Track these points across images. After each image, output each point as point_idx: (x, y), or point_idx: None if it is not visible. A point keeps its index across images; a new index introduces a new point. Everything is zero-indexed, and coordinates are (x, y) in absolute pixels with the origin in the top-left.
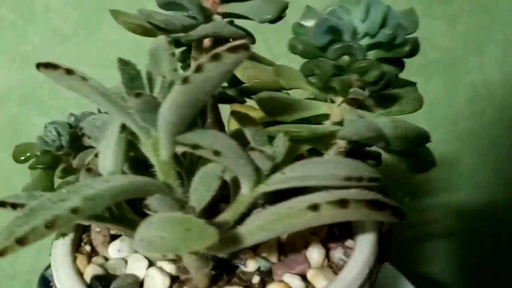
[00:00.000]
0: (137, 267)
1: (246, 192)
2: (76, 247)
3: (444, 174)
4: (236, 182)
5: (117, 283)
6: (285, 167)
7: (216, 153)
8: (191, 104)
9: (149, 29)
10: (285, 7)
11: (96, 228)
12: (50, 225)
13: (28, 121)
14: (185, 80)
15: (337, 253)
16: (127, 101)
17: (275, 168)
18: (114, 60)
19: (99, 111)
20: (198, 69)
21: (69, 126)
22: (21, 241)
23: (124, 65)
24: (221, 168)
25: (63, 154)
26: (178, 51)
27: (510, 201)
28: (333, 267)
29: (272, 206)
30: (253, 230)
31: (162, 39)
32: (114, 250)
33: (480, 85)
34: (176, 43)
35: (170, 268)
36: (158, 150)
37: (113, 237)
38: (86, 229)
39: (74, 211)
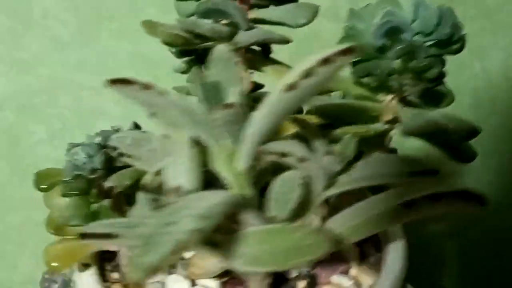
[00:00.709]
0: None
1: (318, 195)
2: (102, 277)
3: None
4: (306, 186)
5: None
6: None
7: (302, 159)
8: (289, 111)
9: (188, 39)
10: (317, 10)
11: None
12: (176, 250)
13: (25, 129)
14: (291, 87)
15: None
16: (206, 114)
17: (341, 170)
18: (113, 68)
19: (136, 126)
20: (308, 74)
21: (99, 146)
22: (155, 270)
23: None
24: (299, 174)
25: (96, 177)
26: (179, 61)
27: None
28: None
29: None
30: (353, 228)
31: (223, 47)
32: None
33: (484, 90)
34: (181, 53)
35: (215, 284)
36: (233, 163)
37: None
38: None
39: (195, 232)
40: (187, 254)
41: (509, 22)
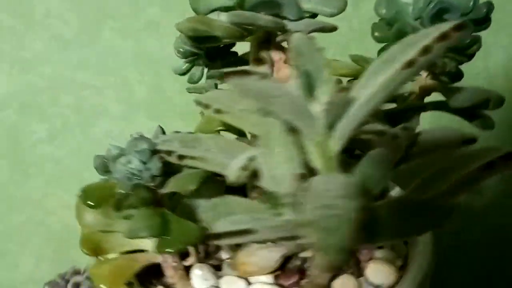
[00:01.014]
0: None
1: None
2: None
3: None
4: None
5: None
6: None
7: (395, 136)
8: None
9: (238, 32)
10: (346, 0)
11: (173, 263)
12: (355, 228)
13: (26, 128)
14: (409, 64)
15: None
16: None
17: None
18: (116, 67)
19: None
20: (426, 50)
21: (150, 152)
22: (348, 252)
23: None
24: (387, 151)
25: (155, 184)
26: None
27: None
28: None
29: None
30: None
31: (300, 35)
32: (200, 281)
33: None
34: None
35: (269, 279)
36: (326, 148)
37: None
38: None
39: (359, 210)
40: (225, 255)
41: (510, 21)
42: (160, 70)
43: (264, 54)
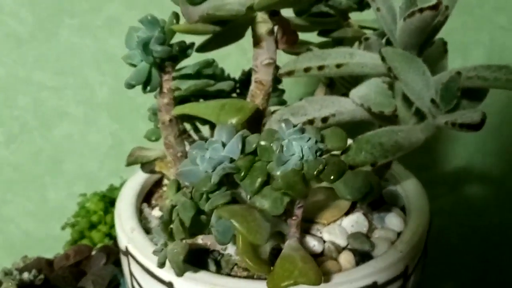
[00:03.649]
0: None
1: None
2: None
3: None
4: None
5: None
6: None
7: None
8: None
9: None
10: None
11: None
12: None
13: None
14: None
15: None
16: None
17: None
18: (75, 66)
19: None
20: None
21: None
22: None
23: None
24: None
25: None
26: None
27: (501, 215)
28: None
29: None
30: None
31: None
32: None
33: None
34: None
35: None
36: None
37: None
38: None
39: None
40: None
41: (490, 17)
42: (121, 70)
43: (270, 25)
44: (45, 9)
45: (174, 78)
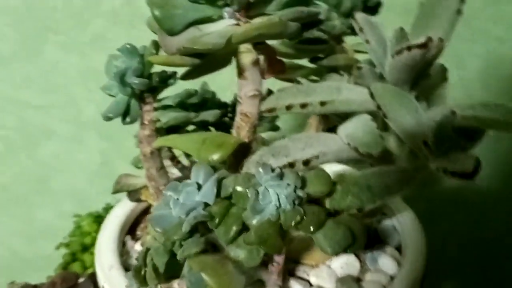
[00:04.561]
0: None
1: None
2: None
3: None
4: None
5: None
6: None
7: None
8: None
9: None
10: None
11: None
12: None
13: None
14: None
15: None
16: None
17: None
18: (61, 84)
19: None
20: None
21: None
22: None
23: None
24: None
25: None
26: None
27: (496, 217)
28: None
29: None
30: None
31: (364, 16)
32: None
33: (461, 99)
34: None
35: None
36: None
37: None
38: None
39: None
40: None
41: (486, 29)
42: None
43: (254, 55)
44: (29, 26)
45: (156, 109)
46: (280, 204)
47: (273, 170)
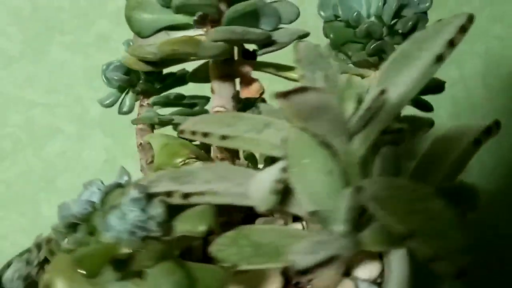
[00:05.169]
0: None
1: None
2: None
3: None
4: None
5: None
6: None
7: (400, 130)
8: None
9: (228, 49)
10: (297, 7)
11: None
12: None
13: None
14: (439, 58)
15: None
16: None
17: None
18: (67, 83)
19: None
20: (451, 43)
21: (147, 197)
22: None
23: None
24: (396, 148)
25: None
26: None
27: (494, 216)
28: None
29: None
30: None
31: (307, 44)
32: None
33: (462, 98)
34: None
35: None
36: (355, 153)
37: None
38: None
39: None
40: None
41: (486, 28)
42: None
43: (230, 70)
44: (35, 27)
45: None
46: (119, 230)
47: (151, 195)
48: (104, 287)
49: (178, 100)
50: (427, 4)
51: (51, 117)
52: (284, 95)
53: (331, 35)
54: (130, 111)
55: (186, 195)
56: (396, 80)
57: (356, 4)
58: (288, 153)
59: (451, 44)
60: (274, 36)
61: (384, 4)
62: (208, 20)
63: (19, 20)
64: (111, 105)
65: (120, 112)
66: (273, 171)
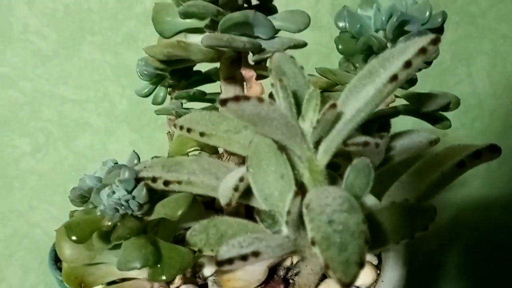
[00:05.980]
0: None
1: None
2: None
3: None
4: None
5: None
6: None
7: (377, 145)
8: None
9: (215, 54)
10: (309, 16)
11: None
12: (366, 241)
13: (11, 143)
14: (393, 78)
15: None
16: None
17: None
18: (96, 80)
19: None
20: (407, 64)
21: (135, 180)
22: (363, 264)
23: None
24: (369, 160)
25: (143, 212)
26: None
27: (501, 213)
28: None
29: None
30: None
31: (282, 55)
32: None
33: (469, 96)
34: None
35: None
36: (314, 163)
37: None
38: None
39: (364, 222)
40: (208, 272)
41: (493, 27)
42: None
43: (235, 73)
44: (67, 27)
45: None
46: (105, 205)
47: (139, 179)
48: (99, 253)
49: (199, 96)
50: (427, 15)
51: (81, 112)
52: (223, 102)
53: (340, 46)
54: (162, 102)
55: (166, 182)
56: (358, 95)
57: (365, 18)
58: (250, 154)
59: (408, 65)
60: (266, 44)
61: (389, 19)
62: (217, 25)
63: (53, 21)
64: (146, 95)
65: (154, 102)
66: (241, 170)
